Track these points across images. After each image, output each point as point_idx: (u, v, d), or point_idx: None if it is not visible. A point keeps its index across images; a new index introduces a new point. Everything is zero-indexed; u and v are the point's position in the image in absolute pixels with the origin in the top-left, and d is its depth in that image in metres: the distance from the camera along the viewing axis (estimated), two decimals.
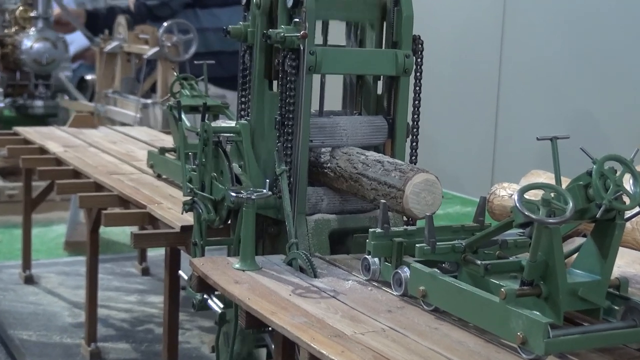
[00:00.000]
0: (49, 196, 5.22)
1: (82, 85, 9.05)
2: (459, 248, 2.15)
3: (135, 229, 3.93)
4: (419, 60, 2.73)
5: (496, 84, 6.72)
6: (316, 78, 2.64)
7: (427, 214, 2.24)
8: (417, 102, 2.76)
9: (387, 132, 2.74)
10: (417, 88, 2.75)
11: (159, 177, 3.93)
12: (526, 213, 1.83)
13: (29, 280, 5.11)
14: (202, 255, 2.80)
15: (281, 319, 2.05)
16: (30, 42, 8.58)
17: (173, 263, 3.32)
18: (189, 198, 2.83)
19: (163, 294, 3.42)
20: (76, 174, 4.14)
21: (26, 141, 4.91)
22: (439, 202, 2.40)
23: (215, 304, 2.71)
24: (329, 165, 2.66)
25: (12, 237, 6.05)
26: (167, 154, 3.93)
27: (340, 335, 1.95)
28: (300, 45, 2.55)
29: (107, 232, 5.90)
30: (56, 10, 8.55)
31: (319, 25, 2.70)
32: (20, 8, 9.03)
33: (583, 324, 2.00)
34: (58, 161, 4.40)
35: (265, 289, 2.26)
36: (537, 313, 1.86)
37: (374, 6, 2.72)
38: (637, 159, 1.97)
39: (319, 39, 2.71)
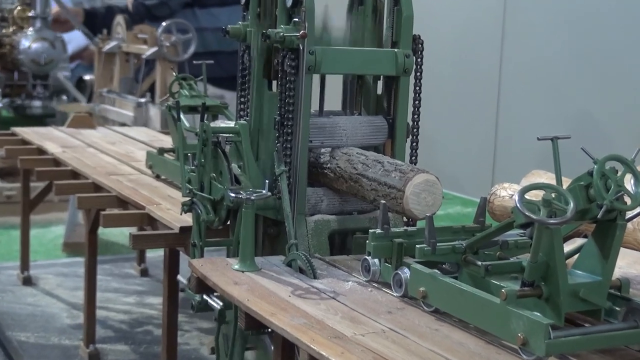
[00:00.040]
0: (47, 197, 5.22)
1: (80, 86, 9.04)
2: (460, 249, 2.14)
3: (134, 230, 3.91)
4: (419, 60, 2.72)
5: (497, 84, 6.72)
6: (316, 78, 2.64)
7: (428, 214, 2.23)
8: (417, 102, 2.76)
9: (387, 132, 2.74)
10: (417, 88, 2.74)
11: (157, 177, 3.92)
12: (527, 213, 1.82)
13: (27, 281, 5.10)
14: (201, 256, 2.79)
15: (281, 320, 2.04)
16: (28, 42, 8.57)
17: (172, 264, 3.31)
18: (188, 199, 2.82)
19: (162, 295, 3.42)
20: (74, 174, 4.13)
21: (24, 142, 4.90)
22: (439, 203, 2.40)
23: (214, 302, 2.70)
24: (328, 165, 2.66)
25: (10, 238, 6.04)
26: (166, 155, 3.93)
27: (340, 337, 1.94)
28: (300, 45, 2.54)
29: (106, 233, 5.88)
30: (54, 8, 8.54)
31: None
32: (18, 8, 9.02)
33: (584, 325, 1.99)
34: (56, 162, 4.38)
35: (264, 290, 2.25)
36: (538, 314, 1.85)
37: None
38: (638, 159, 1.96)
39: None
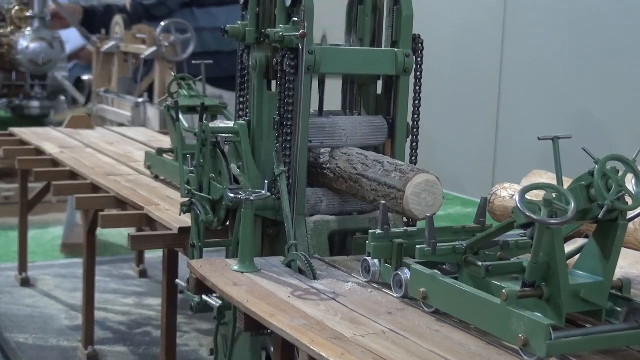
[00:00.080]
0: (46, 198, 5.20)
1: (78, 86, 9.02)
2: (460, 249, 2.13)
3: (132, 230, 3.90)
4: (419, 59, 2.71)
5: (497, 84, 6.71)
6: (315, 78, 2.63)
7: (428, 215, 2.23)
8: (417, 102, 2.75)
9: (387, 132, 2.73)
10: (417, 88, 2.73)
11: (156, 178, 3.91)
12: (528, 214, 1.82)
13: (26, 282, 5.09)
14: (201, 257, 2.78)
15: (280, 321, 2.03)
16: (26, 42, 8.55)
17: (171, 265, 3.31)
18: (187, 199, 2.81)
19: (161, 296, 3.41)
20: (73, 175, 4.12)
21: (22, 142, 4.89)
22: (440, 203, 2.39)
23: (213, 300, 2.69)
24: (328, 165, 2.65)
25: (8, 239, 6.03)
26: (164, 155, 3.92)
27: (340, 338, 1.93)
28: (299, 45, 2.53)
29: (104, 234, 5.87)
30: (52, 5, 8.51)
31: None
32: (16, 7, 9.00)
33: (585, 326, 1.99)
34: (54, 162, 4.37)
35: (264, 291, 2.24)
36: (539, 315, 1.85)
37: None
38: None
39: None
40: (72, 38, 9.22)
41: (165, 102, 3.82)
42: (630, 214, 1.95)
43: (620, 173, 1.91)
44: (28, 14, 8.72)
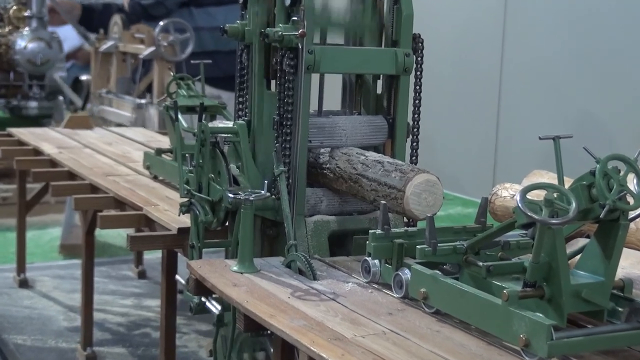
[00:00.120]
0: (44, 198, 5.19)
1: (76, 86, 9.00)
2: (461, 249, 2.13)
3: (131, 231, 3.89)
4: (419, 59, 2.71)
5: (497, 83, 6.71)
6: (315, 77, 2.62)
7: (428, 215, 2.22)
8: (417, 101, 2.74)
9: (387, 132, 2.72)
10: (418, 87, 2.73)
11: (155, 178, 3.90)
12: (529, 214, 1.81)
13: (24, 284, 5.08)
14: (200, 257, 2.77)
15: (280, 322, 2.03)
16: (24, 42, 8.53)
17: (170, 266, 3.30)
18: (186, 200, 2.81)
19: (160, 297, 3.39)
20: (71, 175, 4.11)
21: (20, 142, 4.88)
22: (440, 203, 2.38)
23: (213, 306, 2.68)
24: (328, 165, 2.64)
25: (6, 240, 6.01)
26: (163, 155, 3.90)
27: (340, 338, 1.93)
28: (299, 44, 2.53)
29: (103, 234, 5.86)
30: (49, 2, 8.48)
31: None
32: (14, 7, 8.98)
33: (587, 326, 1.98)
34: (53, 163, 4.36)
35: (263, 292, 2.23)
36: (540, 315, 1.84)
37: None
38: None
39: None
40: (69, 38, 9.19)
41: (164, 102, 3.81)
42: (632, 214, 1.95)
43: (622, 173, 1.90)
44: (26, 13, 8.70)
